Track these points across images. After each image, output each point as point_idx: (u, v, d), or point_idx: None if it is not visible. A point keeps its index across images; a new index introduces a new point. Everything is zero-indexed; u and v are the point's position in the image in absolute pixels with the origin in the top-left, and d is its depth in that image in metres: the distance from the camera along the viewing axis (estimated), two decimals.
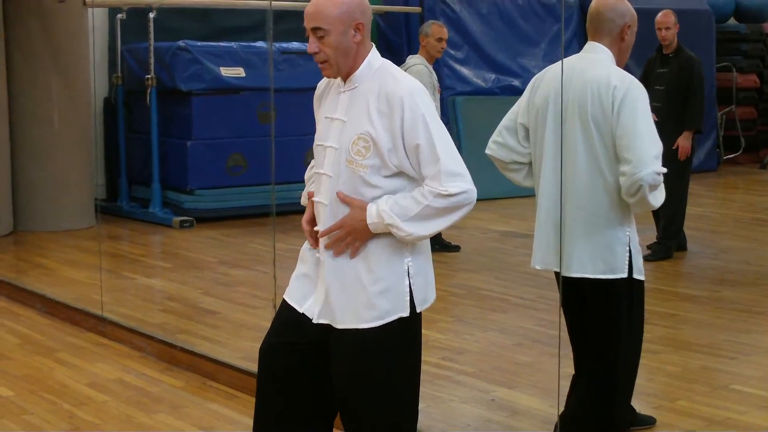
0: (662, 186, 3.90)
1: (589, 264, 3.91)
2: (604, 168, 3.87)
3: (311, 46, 3.10)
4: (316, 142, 3.21)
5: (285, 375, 3.20)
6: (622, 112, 3.81)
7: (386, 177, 3.07)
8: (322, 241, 3.15)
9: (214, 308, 6.85)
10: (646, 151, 3.76)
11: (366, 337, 3.08)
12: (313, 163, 3.32)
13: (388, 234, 3.07)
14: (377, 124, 3.04)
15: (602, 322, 4.00)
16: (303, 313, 3.18)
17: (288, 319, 3.23)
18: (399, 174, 3.08)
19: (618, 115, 3.81)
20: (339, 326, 3.11)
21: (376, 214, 3.05)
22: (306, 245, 3.28)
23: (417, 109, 3.02)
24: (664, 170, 3.82)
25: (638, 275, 3.95)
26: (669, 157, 8.09)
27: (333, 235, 3.11)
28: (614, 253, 3.90)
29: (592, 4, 4.05)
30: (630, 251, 3.92)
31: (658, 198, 3.87)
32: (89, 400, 5.09)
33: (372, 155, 3.05)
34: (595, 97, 3.86)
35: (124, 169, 10.85)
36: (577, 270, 3.94)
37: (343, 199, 3.09)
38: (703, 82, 8.24)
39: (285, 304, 3.26)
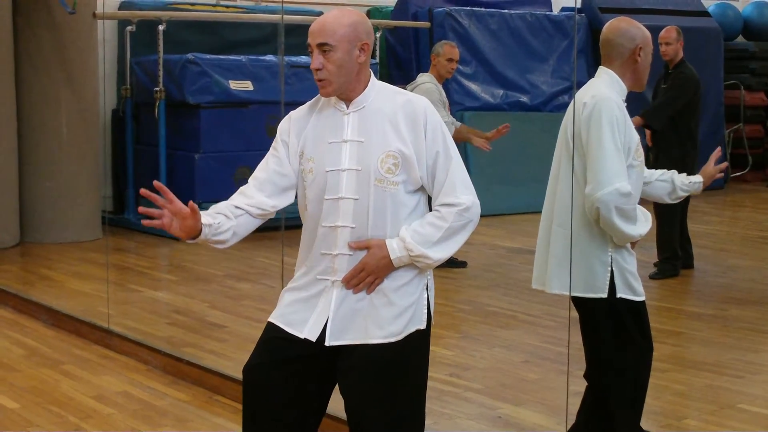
0: (646, 215, 3.86)
1: (569, 282, 3.88)
2: (583, 187, 3.83)
3: (315, 61, 3.11)
4: (327, 168, 3.13)
5: (273, 391, 3.16)
6: (588, 128, 3.78)
7: (408, 193, 3.12)
8: (331, 264, 3.15)
9: (221, 322, 6.85)
10: (604, 170, 3.71)
11: (390, 350, 3.09)
12: (237, 201, 3.51)
13: None
14: (407, 139, 3.09)
15: (586, 339, 4.01)
16: (291, 333, 3.16)
17: (274, 340, 3.19)
18: (419, 189, 3.14)
19: (586, 131, 3.80)
20: (361, 342, 3.11)
21: (399, 248, 3.07)
22: (305, 274, 3.26)
23: (435, 118, 3.14)
24: (628, 189, 3.72)
25: (626, 295, 3.86)
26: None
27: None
28: (593, 272, 3.85)
29: (603, 30, 4.03)
30: (612, 271, 3.84)
31: (638, 227, 3.79)
32: (95, 412, 5.09)
33: (401, 171, 3.09)
34: (576, 116, 3.86)
35: (131, 181, 10.87)
36: (557, 287, 3.94)
37: (359, 247, 3.09)
38: (682, 92, 7.97)
39: (272, 327, 3.22)
